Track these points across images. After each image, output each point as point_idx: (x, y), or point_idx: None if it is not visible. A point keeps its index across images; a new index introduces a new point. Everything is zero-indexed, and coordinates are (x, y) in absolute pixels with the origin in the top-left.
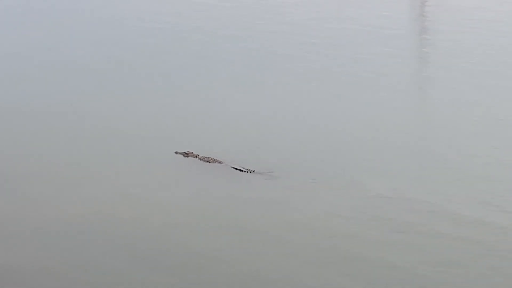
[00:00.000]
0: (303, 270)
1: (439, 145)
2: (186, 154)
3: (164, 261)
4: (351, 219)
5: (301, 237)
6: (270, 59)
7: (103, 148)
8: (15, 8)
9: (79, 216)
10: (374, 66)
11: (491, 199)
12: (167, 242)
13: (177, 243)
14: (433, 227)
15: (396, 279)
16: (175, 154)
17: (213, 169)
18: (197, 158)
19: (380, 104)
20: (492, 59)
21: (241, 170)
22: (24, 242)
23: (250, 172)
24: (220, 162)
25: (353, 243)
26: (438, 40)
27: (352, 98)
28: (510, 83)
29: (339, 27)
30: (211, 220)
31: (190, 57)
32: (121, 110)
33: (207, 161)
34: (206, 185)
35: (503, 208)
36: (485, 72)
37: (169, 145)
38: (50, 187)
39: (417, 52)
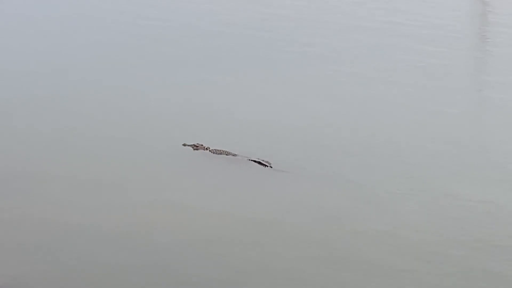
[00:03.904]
0: None
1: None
2: (195, 147)
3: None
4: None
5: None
6: (304, 56)
7: (110, 144)
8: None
9: (100, 222)
10: (428, 67)
11: None
12: (203, 253)
13: (216, 253)
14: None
15: None
16: (183, 147)
17: (230, 163)
18: (207, 151)
19: (435, 108)
20: None
21: (260, 163)
22: (38, 251)
23: (268, 165)
24: (234, 155)
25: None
26: (497, 42)
27: (402, 102)
28: None
29: (385, 20)
30: (253, 225)
31: (207, 49)
32: (127, 102)
33: (220, 154)
34: (234, 183)
35: None
36: None
37: (175, 137)
38: (64, 190)
39: (474, 54)
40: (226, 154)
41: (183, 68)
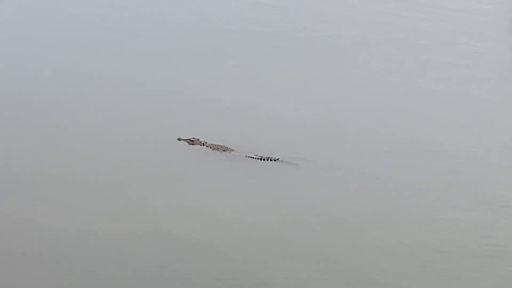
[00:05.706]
0: None
1: None
2: (191, 141)
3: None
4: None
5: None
6: (316, 48)
7: (105, 141)
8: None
9: (99, 225)
10: (457, 63)
11: None
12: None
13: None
14: None
15: None
16: (178, 141)
17: (228, 159)
18: (204, 146)
19: (461, 104)
20: None
21: (261, 158)
22: (36, 258)
23: (274, 160)
24: (231, 151)
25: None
26: None
27: (426, 97)
28: None
29: (420, 24)
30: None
31: (208, 44)
32: (124, 97)
33: (217, 149)
34: (234, 180)
35: None
36: None
37: (169, 132)
38: (58, 191)
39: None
40: (224, 150)
41: (183, 62)
